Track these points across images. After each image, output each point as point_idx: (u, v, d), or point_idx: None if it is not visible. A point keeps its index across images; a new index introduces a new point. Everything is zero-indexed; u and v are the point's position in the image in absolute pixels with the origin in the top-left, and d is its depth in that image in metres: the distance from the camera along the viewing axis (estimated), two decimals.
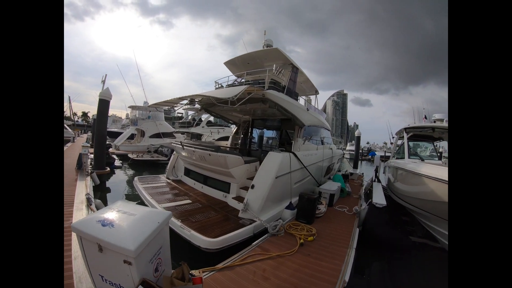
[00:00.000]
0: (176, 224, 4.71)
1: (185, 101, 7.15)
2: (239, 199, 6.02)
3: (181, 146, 7.36)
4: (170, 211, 2.95)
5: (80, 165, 9.70)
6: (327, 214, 6.47)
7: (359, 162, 23.17)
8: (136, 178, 8.06)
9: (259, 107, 7.05)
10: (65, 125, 30.65)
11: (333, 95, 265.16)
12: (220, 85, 8.29)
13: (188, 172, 8.17)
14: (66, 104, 36.24)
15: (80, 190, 6.91)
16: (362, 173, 14.77)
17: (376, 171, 11.67)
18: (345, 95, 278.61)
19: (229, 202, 6.22)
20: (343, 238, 4.95)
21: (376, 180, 10.89)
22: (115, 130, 30.05)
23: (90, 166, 10.24)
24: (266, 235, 4.73)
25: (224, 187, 6.65)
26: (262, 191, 5.47)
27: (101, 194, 8.84)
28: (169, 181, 8.24)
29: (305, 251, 4.24)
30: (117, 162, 14.74)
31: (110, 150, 18.12)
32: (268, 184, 5.53)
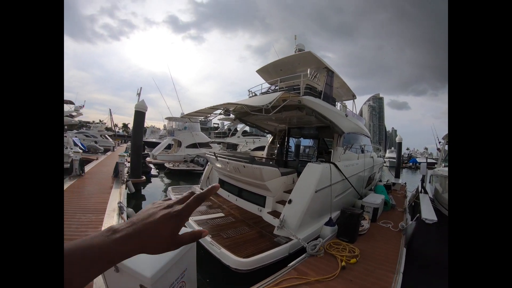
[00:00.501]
0: (206, 239, 4.43)
1: (218, 111, 6.95)
2: (275, 214, 5.60)
3: (214, 157, 7.16)
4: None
5: (116, 173, 10.00)
6: (371, 230, 5.84)
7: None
8: (169, 188, 8.01)
9: (295, 114, 6.66)
10: (106, 135, 32.65)
11: (368, 100, 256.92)
12: (253, 94, 8.04)
13: (222, 183, 7.92)
14: (107, 116, 38.79)
15: (114, 198, 7.02)
16: (405, 183, 13.67)
17: (423, 180, 10.65)
18: (381, 99, 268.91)
19: (264, 216, 5.82)
20: (389, 260, 4.37)
21: (422, 191, 9.90)
22: (153, 140, 31.19)
23: (127, 174, 10.53)
24: (303, 255, 4.25)
25: (259, 200, 6.26)
26: (300, 206, 5.01)
27: (136, 202, 9.03)
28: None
29: (347, 276, 3.74)
30: (154, 171, 15.13)
31: (148, 159, 18.71)
32: (307, 198, 5.06)
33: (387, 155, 41.37)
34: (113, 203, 6.36)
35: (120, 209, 5.83)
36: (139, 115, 11.11)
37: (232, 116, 8.55)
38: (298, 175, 5.83)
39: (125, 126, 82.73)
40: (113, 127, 43.46)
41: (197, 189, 8.32)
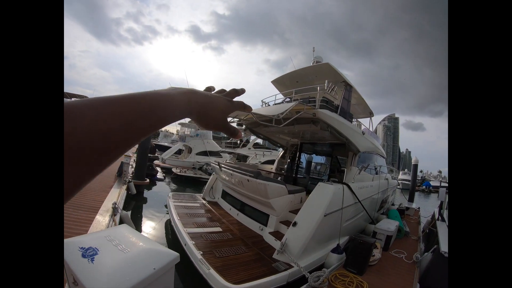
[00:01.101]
0: (196, 256, 4.01)
1: (228, 119, 6.54)
2: (277, 235, 5.07)
3: (218, 167, 6.76)
4: (178, 253, 2.22)
5: (120, 172, 9.86)
6: (382, 261, 5.22)
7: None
8: (170, 194, 7.67)
9: (308, 129, 6.23)
10: None
11: (384, 120, 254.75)
12: (267, 104, 7.68)
13: (225, 195, 7.49)
14: None
15: (111, 197, 6.79)
16: (419, 208, 12.91)
17: (441, 207, 9.90)
18: (397, 119, 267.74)
19: (265, 237, 5.29)
20: None
21: (439, 218, 9.13)
22: (166, 144, 31.43)
23: (131, 175, 10.39)
24: (304, 286, 3.71)
25: (262, 218, 5.73)
26: (306, 231, 4.47)
27: (136, 204, 8.92)
28: (204, 202, 7.63)
29: None
30: (160, 175, 14.98)
31: (156, 162, 18.62)
32: (314, 223, 4.52)
33: (400, 176, 40.26)
34: (108, 203, 6.11)
35: (114, 210, 5.60)
36: None
37: (243, 127, 8.21)
38: (308, 194, 5.35)
39: None
40: None
41: (198, 198, 7.95)
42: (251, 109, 0.63)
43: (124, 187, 8.59)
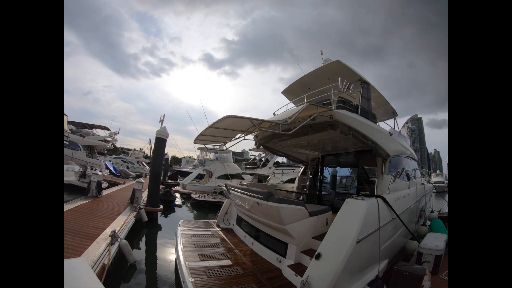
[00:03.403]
0: None
1: (238, 134, 5.87)
2: (298, 268, 4.04)
3: (226, 189, 5.96)
4: None
5: (132, 199, 9.81)
6: None
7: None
8: (180, 221, 6.96)
9: (328, 137, 5.41)
10: (143, 162, 34.20)
11: (407, 122, 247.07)
12: None
13: (240, 221, 6.60)
14: (146, 145, 41.42)
15: (116, 225, 6.56)
16: None
17: None
18: (420, 119, 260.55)
19: (284, 270, 4.27)
20: None
21: None
22: (188, 170, 31.76)
23: (144, 202, 10.22)
24: None
25: (279, 247, 4.72)
26: (333, 265, 3.37)
27: (148, 231, 8.71)
28: (217, 229, 6.79)
29: None
30: (178, 201, 14.70)
31: (177, 188, 18.44)
32: (344, 253, 3.42)
33: (433, 179, 37.56)
34: (110, 231, 5.69)
35: (112, 239, 5.18)
36: (160, 142, 10.87)
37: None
38: (335, 212, 4.38)
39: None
40: (151, 155, 45.80)
41: (212, 225, 7.16)
42: None
43: (133, 214, 8.30)
